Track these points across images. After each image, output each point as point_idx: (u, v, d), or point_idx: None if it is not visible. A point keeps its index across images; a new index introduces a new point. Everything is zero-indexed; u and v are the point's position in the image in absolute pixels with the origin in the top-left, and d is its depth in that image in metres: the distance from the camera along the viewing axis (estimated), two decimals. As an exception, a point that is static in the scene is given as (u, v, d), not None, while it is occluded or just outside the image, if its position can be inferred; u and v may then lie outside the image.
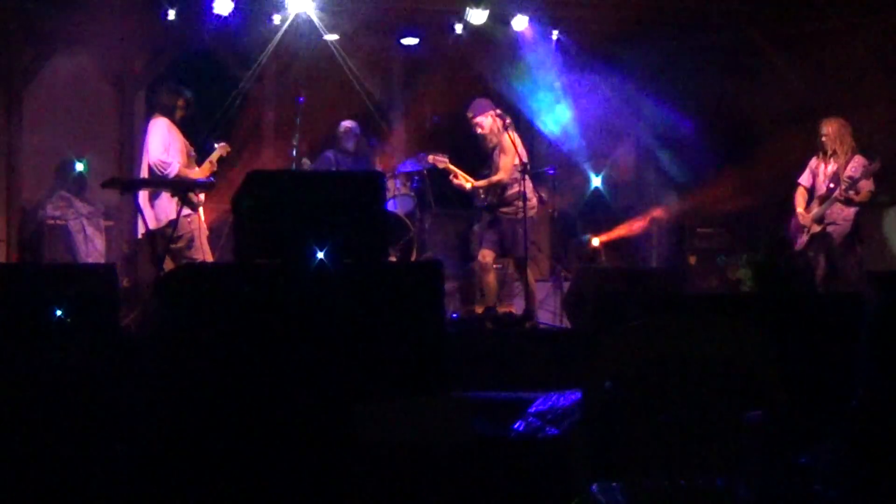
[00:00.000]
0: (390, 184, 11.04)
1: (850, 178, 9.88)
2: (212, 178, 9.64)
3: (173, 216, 9.12)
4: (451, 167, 10.64)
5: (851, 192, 9.89)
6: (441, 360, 5.85)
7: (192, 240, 9.38)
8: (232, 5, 11.36)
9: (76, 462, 5.56)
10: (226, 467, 5.32)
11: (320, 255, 5.78)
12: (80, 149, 11.61)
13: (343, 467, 5.13)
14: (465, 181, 10.40)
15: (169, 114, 9.51)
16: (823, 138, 10.16)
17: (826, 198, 10.00)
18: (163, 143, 9.29)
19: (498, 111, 10.21)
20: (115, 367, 6.02)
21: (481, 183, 10.30)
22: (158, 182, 9.27)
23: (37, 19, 11.50)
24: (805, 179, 10.29)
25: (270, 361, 5.47)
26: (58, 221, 10.92)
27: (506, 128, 10.09)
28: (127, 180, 9.26)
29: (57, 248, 10.76)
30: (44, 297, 6.62)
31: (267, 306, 5.58)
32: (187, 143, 9.57)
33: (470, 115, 10.28)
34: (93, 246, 11.11)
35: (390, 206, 10.80)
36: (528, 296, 10.05)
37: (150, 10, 11.51)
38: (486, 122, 10.15)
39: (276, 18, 11.98)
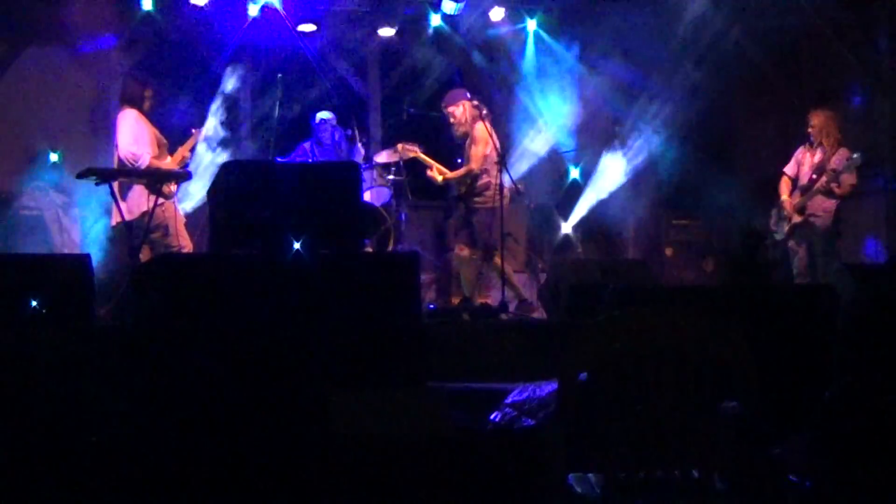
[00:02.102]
0: (367, 175, 11.02)
1: (833, 170, 9.93)
2: (188, 169, 9.61)
3: (145, 207, 9.11)
4: (422, 156, 10.67)
5: (833, 185, 9.94)
6: (417, 351, 5.85)
7: (167, 228, 9.37)
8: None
9: (49, 455, 5.53)
10: (201, 458, 5.31)
11: (297, 245, 5.77)
12: (54, 140, 11.54)
13: (319, 458, 5.13)
14: (438, 173, 10.42)
15: (137, 105, 9.50)
16: (811, 129, 10.22)
17: (808, 188, 10.05)
18: (132, 135, 9.27)
19: (473, 101, 10.22)
20: (90, 358, 6.00)
21: (451, 174, 10.32)
22: (135, 173, 9.24)
23: (10, 10, 11.43)
24: (790, 169, 10.35)
25: (246, 352, 5.46)
26: (32, 212, 10.86)
27: (481, 117, 10.09)
28: (102, 170, 9.18)
29: (32, 239, 10.69)
30: (18, 288, 6.59)
31: (243, 297, 5.57)
32: (158, 132, 9.55)
33: (443, 104, 10.33)
34: (68, 236, 11.05)
35: (367, 197, 10.80)
36: (506, 285, 10.04)
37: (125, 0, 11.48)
38: (458, 111, 10.19)
39: (252, 9, 11.95)
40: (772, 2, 11.89)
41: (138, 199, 9.21)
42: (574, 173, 13.31)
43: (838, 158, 9.99)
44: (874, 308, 3.85)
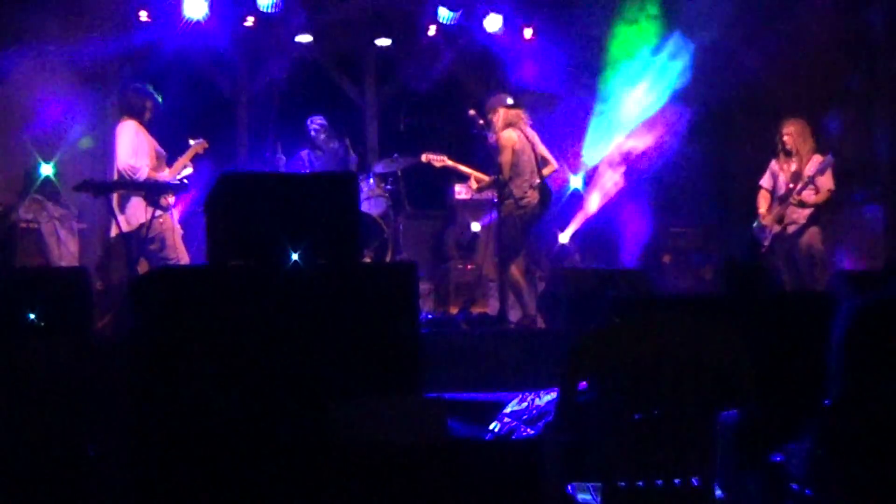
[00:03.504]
0: (364, 185, 11.02)
1: (809, 177, 9.94)
2: (186, 181, 9.61)
3: (143, 219, 9.11)
4: (451, 163, 10.60)
5: (811, 190, 9.95)
6: (416, 361, 5.84)
7: (164, 240, 9.36)
8: (206, 8, 11.36)
9: (48, 466, 5.53)
10: (200, 469, 5.30)
11: (294, 256, 5.77)
12: (51, 151, 11.53)
13: (317, 468, 5.13)
14: (475, 181, 10.36)
15: (137, 115, 9.48)
16: (785, 138, 10.22)
17: (786, 198, 10.05)
18: (131, 147, 9.26)
19: (507, 105, 10.09)
20: (88, 370, 5.99)
21: (484, 184, 10.27)
22: (132, 185, 9.24)
23: (7, 20, 11.43)
24: (766, 181, 10.35)
25: (244, 363, 5.46)
26: (30, 225, 10.85)
27: (515, 124, 9.97)
28: (100, 183, 9.20)
29: (29, 252, 10.69)
30: (17, 301, 6.59)
31: (241, 308, 5.56)
32: (156, 143, 9.54)
33: (486, 110, 10.18)
34: (66, 249, 11.04)
35: (364, 207, 10.79)
36: (519, 294, 9.98)
37: (122, 11, 11.49)
38: (496, 117, 10.05)
39: (249, 20, 11.99)
40: (769, 9, 11.90)
41: (136, 211, 9.21)
42: (575, 182, 13.30)
43: (813, 165, 10.00)
44: (871, 315, 3.84)
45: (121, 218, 9.11)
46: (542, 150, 10.07)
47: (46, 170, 11.12)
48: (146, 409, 5.45)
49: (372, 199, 11.07)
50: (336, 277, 5.87)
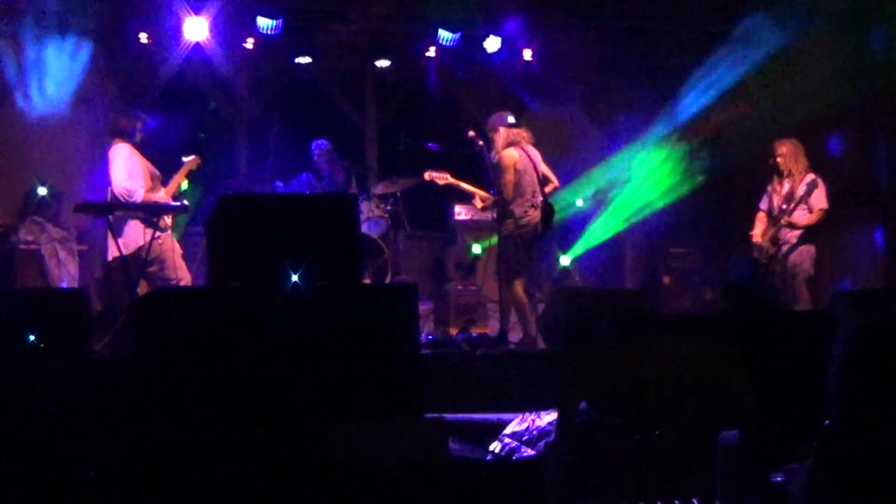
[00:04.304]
0: (364, 206, 11.03)
1: (800, 197, 9.93)
2: (186, 203, 9.60)
3: (141, 241, 9.11)
4: (454, 181, 10.56)
5: (804, 210, 9.94)
6: (416, 382, 5.84)
7: (164, 262, 9.35)
8: (205, 30, 11.41)
9: (48, 488, 5.52)
10: (200, 491, 5.29)
11: (294, 277, 5.77)
12: (51, 173, 11.55)
13: (319, 489, 5.12)
14: (480, 200, 10.33)
15: (129, 138, 9.45)
16: (778, 159, 10.21)
17: (778, 219, 10.05)
18: (125, 170, 9.22)
19: (508, 124, 10.02)
20: (88, 392, 5.98)
21: (486, 203, 10.25)
22: (131, 207, 9.24)
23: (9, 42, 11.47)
24: (763, 203, 10.35)
25: (245, 384, 5.45)
26: (30, 246, 10.85)
27: (517, 144, 9.92)
28: (99, 205, 9.19)
29: (29, 273, 10.70)
30: (16, 322, 6.59)
31: (241, 330, 5.56)
32: (150, 164, 9.53)
33: (487, 129, 10.13)
34: (66, 270, 11.04)
35: (364, 228, 10.79)
36: (522, 313, 9.96)
37: (122, 33, 11.52)
38: (497, 137, 9.99)
39: (249, 42, 12.02)
40: (765, 28, 11.94)
41: (133, 234, 9.20)
42: (578, 202, 13.30)
43: (805, 185, 9.99)
44: (873, 335, 3.84)
45: (119, 241, 9.10)
46: (544, 168, 10.03)
47: (41, 191, 11.13)
48: (146, 431, 5.44)
49: (372, 220, 11.07)
50: (336, 299, 5.88)
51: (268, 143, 11.49)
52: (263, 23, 11.63)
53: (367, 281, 10.50)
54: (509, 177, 9.73)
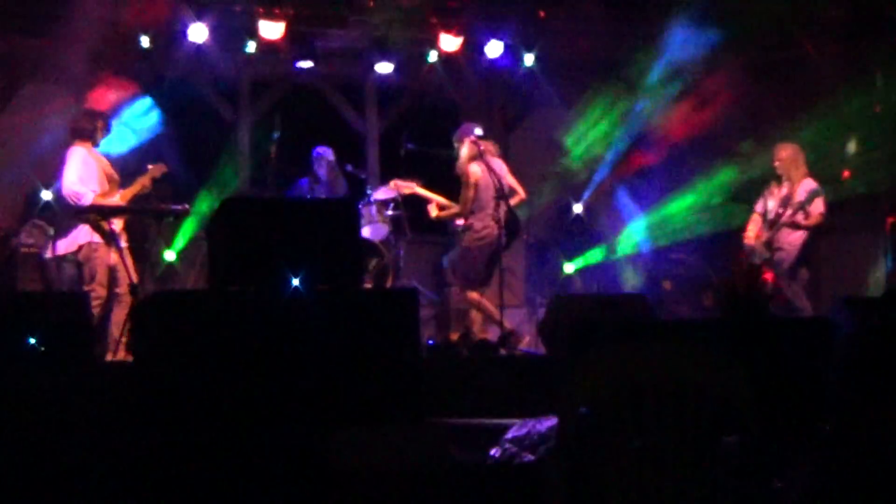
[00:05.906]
0: (365, 211, 11.03)
1: (799, 202, 9.94)
2: (187, 206, 9.59)
3: (75, 248, 9.10)
4: (419, 191, 10.61)
5: (801, 216, 9.95)
6: (417, 387, 5.84)
7: (91, 269, 9.21)
8: (207, 33, 11.42)
9: (50, 493, 5.52)
10: (202, 494, 5.29)
11: (295, 281, 5.77)
12: (53, 177, 11.57)
13: (319, 495, 5.12)
14: (436, 207, 10.38)
15: (89, 138, 9.40)
16: (777, 163, 10.24)
17: (775, 222, 10.05)
18: (77, 174, 9.12)
19: (477, 139, 10.05)
20: (89, 395, 5.99)
21: (443, 214, 10.32)
22: (130, 209, 9.24)
23: (9, 48, 11.47)
24: (759, 206, 10.36)
25: (246, 388, 5.45)
26: (31, 249, 10.86)
27: (480, 157, 9.97)
28: (102, 208, 9.17)
29: (30, 277, 10.70)
30: (17, 326, 6.60)
31: (242, 333, 5.56)
32: (108, 167, 9.47)
33: (454, 140, 10.23)
34: (66, 274, 11.05)
35: (365, 233, 10.79)
36: (484, 310, 10.06)
37: (123, 37, 11.52)
38: (462, 149, 10.08)
39: (251, 45, 12.02)
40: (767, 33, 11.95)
41: (76, 237, 9.14)
42: (577, 208, 13.29)
43: (804, 191, 10.00)
44: (872, 341, 3.85)
45: (62, 241, 9.12)
46: (511, 179, 10.13)
47: (45, 195, 11.14)
48: (147, 434, 5.45)
49: (373, 224, 11.06)
50: (336, 303, 5.88)
51: (268, 148, 11.45)
52: (265, 27, 11.65)
53: (368, 285, 10.50)
54: (470, 193, 9.89)
